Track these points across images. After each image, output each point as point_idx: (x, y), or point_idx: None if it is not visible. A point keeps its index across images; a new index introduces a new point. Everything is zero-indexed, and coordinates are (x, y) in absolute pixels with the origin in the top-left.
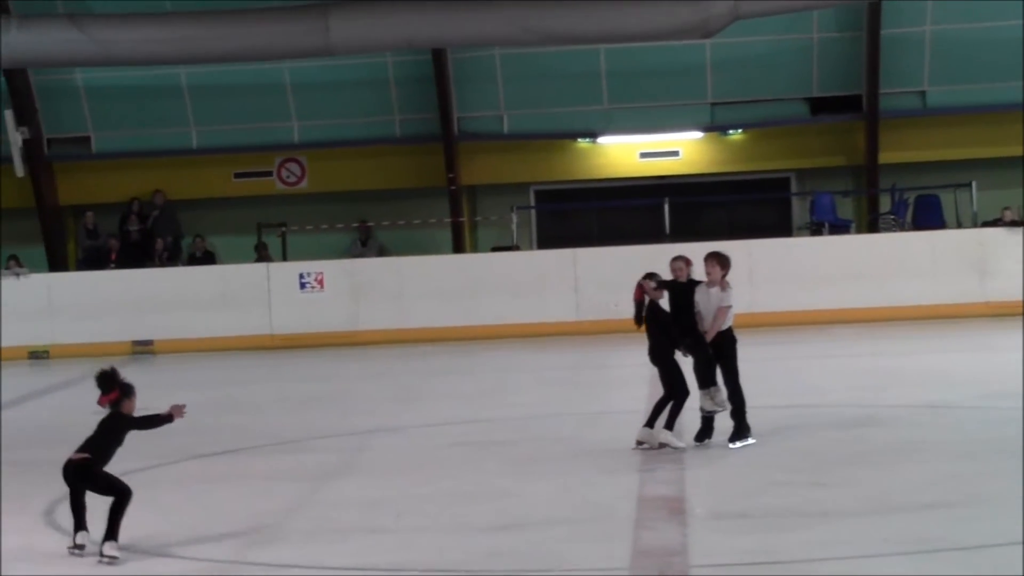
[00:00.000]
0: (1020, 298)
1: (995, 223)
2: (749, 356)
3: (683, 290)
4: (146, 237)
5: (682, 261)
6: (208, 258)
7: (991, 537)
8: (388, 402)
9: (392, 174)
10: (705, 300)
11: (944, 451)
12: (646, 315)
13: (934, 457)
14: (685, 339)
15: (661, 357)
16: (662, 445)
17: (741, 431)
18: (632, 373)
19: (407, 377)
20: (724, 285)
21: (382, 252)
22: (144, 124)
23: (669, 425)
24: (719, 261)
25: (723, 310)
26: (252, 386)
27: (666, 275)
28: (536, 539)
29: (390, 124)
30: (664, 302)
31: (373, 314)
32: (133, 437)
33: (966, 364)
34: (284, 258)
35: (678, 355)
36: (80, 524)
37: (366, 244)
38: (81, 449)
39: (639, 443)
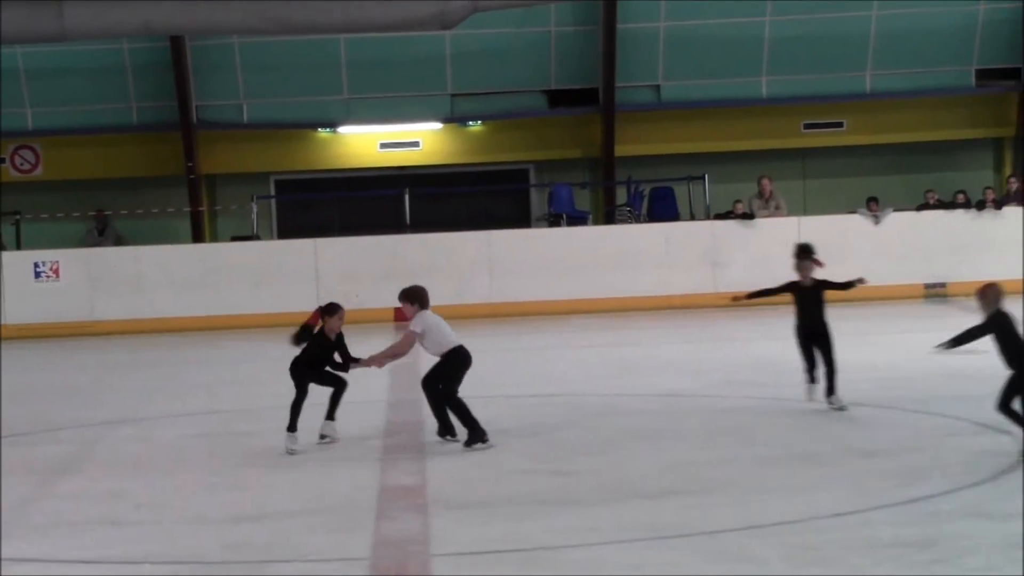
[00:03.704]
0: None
1: (727, 215)
2: (488, 346)
3: None
4: None
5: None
6: None
7: (724, 523)
8: (126, 393)
9: (129, 162)
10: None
11: (680, 439)
12: None
13: (671, 445)
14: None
15: None
16: (323, 437)
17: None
18: None
19: (146, 368)
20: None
21: (119, 241)
22: None
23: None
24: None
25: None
26: None
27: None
28: (276, 530)
29: (127, 112)
30: None
31: (110, 304)
32: None
33: (701, 353)
34: (18, 247)
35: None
36: None
37: (103, 233)
38: None
39: (322, 437)
